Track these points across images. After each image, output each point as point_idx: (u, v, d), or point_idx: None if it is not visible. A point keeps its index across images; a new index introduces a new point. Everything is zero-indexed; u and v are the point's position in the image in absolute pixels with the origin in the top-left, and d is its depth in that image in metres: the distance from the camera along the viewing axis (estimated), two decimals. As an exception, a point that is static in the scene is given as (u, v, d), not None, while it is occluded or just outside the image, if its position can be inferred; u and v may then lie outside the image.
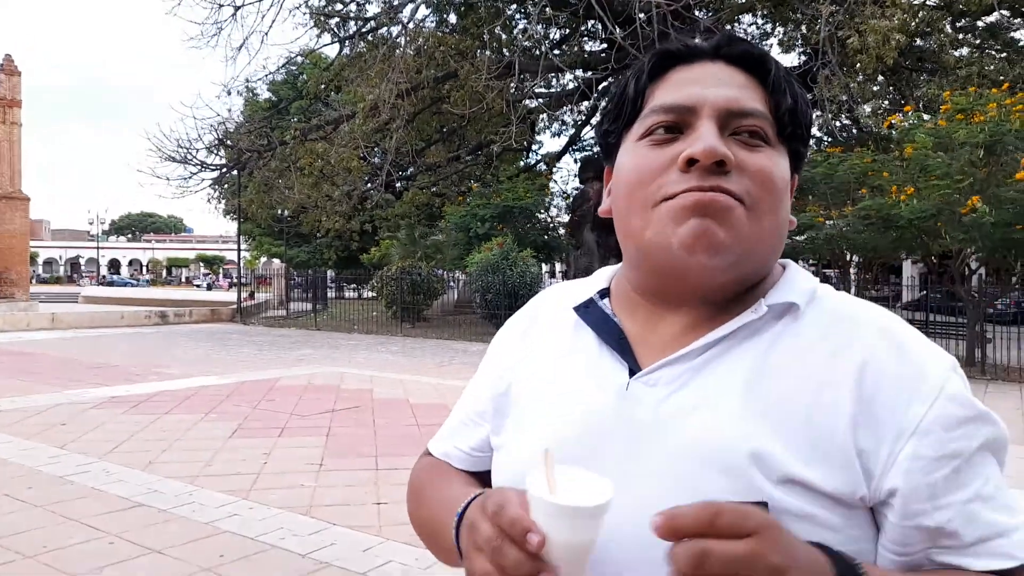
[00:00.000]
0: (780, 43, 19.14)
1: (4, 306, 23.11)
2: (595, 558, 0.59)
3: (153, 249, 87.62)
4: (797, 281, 0.74)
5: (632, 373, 0.72)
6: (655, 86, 0.74)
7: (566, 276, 22.95)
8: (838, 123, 16.29)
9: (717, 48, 0.73)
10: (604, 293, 0.82)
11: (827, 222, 13.61)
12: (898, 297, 22.20)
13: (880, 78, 15.78)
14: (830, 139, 17.27)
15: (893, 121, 13.24)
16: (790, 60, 19.21)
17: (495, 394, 0.84)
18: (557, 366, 0.79)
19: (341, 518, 4.37)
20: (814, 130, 18.22)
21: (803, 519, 0.63)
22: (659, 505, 0.56)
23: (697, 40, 0.75)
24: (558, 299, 0.86)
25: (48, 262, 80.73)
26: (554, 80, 19.77)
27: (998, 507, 0.65)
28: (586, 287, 0.83)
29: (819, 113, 15.94)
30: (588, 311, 0.80)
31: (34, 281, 39.27)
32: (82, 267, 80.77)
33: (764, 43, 21.06)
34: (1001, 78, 13.94)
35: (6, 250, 25.23)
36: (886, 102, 15.61)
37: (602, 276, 0.85)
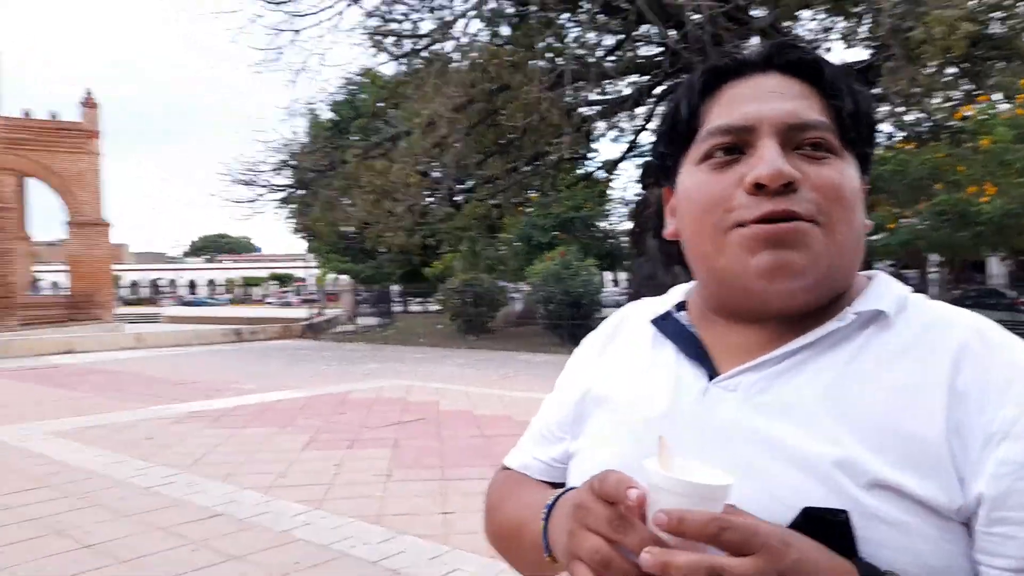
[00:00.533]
0: (843, 38, 18.62)
1: (93, 327, 24.43)
2: None
3: (228, 269, 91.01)
4: (886, 289, 0.73)
5: (711, 379, 0.72)
6: (708, 104, 0.72)
7: (629, 284, 22.80)
8: (908, 118, 15.71)
9: (769, 58, 0.72)
10: (680, 307, 0.83)
11: (900, 221, 13.14)
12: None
13: (953, 68, 15.17)
14: (903, 134, 16.69)
15: (966, 112, 12.68)
16: (853, 55, 18.71)
17: (574, 403, 0.84)
18: (636, 376, 0.79)
19: (409, 527, 4.48)
20: (883, 126, 17.82)
21: (895, 526, 0.60)
22: (743, 505, 0.57)
23: (747, 52, 0.73)
24: (636, 315, 0.87)
25: (132, 284, 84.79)
26: (609, 87, 19.72)
27: None
28: (662, 302, 0.84)
29: (887, 107, 15.45)
30: (666, 323, 0.80)
31: (119, 303, 41.33)
32: (163, 288, 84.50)
33: (825, 39, 20.57)
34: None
35: (92, 274, 26.69)
36: (959, 92, 14.96)
37: (678, 292, 0.86)
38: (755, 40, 19.92)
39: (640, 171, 22.24)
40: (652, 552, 0.55)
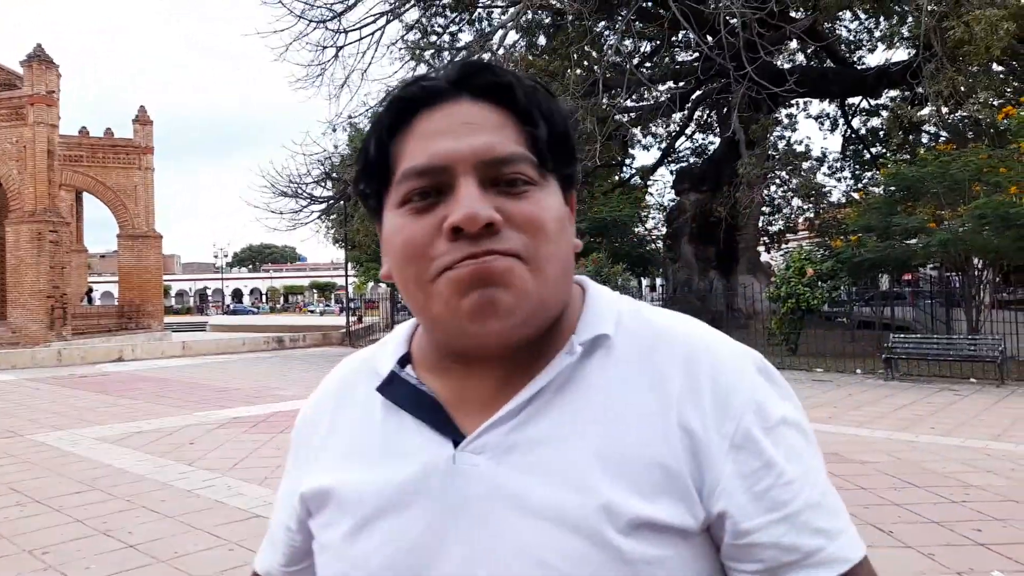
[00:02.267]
0: (883, 38, 18.33)
1: (142, 336, 25.23)
2: None
3: (271, 278, 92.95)
4: (601, 307, 0.71)
5: (456, 444, 0.67)
6: (401, 139, 0.68)
7: (664, 290, 22.65)
8: (949, 119, 15.37)
9: (458, 83, 0.67)
10: (405, 359, 0.75)
11: (942, 224, 12.85)
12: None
13: (999, 68, 14.82)
14: (946, 135, 16.33)
15: (1008, 114, 12.37)
16: (895, 56, 18.37)
17: (306, 497, 0.76)
18: (372, 455, 0.71)
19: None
20: (927, 126, 17.42)
21: (655, 564, 0.61)
22: None
23: (436, 76, 0.68)
24: (357, 375, 0.79)
25: (179, 294, 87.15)
26: (646, 93, 19.70)
27: (824, 511, 0.65)
28: (384, 355, 0.76)
29: (930, 108, 15.13)
30: (392, 387, 0.73)
31: (168, 312, 42.56)
32: (209, 297, 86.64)
33: (866, 41, 20.24)
34: None
35: (143, 284, 27.57)
36: (1008, 92, 14.57)
37: (399, 337, 0.78)
38: (792, 44, 19.80)
39: (675, 177, 22.16)
40: None
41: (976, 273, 13.77)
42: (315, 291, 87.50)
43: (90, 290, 36.92)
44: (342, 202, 22.23)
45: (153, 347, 20.74)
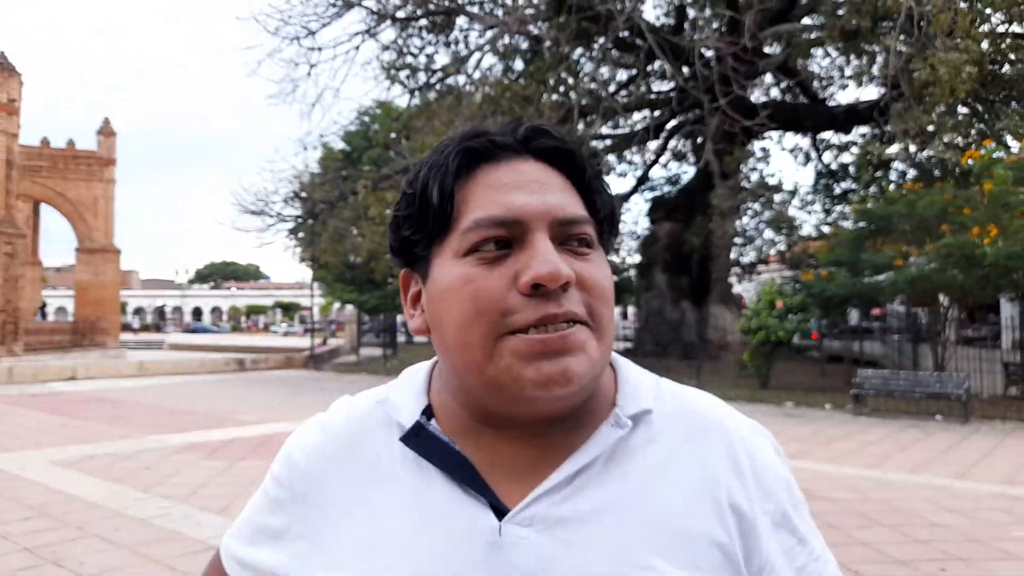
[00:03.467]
0: (854, 76, 18.79)
1: (97, 354, 24.43)
2: None
3: (233, 296, 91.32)
4: (638, 380, 0.71)
5: (497, 511, 0.63)
6: (463, 188, 0.65)
7: (637, 318, 22.68)
8: (917, 157, 15.75)
9: (526, 142, 0.67)
10: (428, 411, 0.70)
11: (910, 259, 13.08)
12: (997, 337, 20.98)
13: (964, 109, 15.24)
14: (914, 173, 16.72)
15: (972, 156, 12.71)
16: (864, 93, 18.82)
17: (301, 538, 0.70)
18: (394, 513, 0.66)
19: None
20: (895, 163, 17.82)
21: None
22: None
23: (498, 132, 0.67)
24: (366, 420, 0.72)
25: (137, 311, 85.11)
26: (621, 121, 19.89)
27: (829, 561, 0.70)
28: (403, 402, 0.71)
29: (899, 146, 15.48)
30: (419, 439, 0.67)
31: (126, 329, 41.46)
32: (168, 315, 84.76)
33: (837, 78, 20.74)
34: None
35: (99, 300, 26.81)
36: (973, 132, 14.98)
37: (416, 385, 0.72)
38: (766, 78, 20.20)
39: (650, 206, 22.34)
40: None
41: (942, 310, 14.01)
42: (279, 310, 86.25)
43: (44, 305, 35.83)
44: (310, 221, 21.94)
45: (108, 366, 20.09)
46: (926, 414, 11.84)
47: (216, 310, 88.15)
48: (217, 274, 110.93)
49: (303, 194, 21.23)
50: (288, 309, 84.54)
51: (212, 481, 6.66)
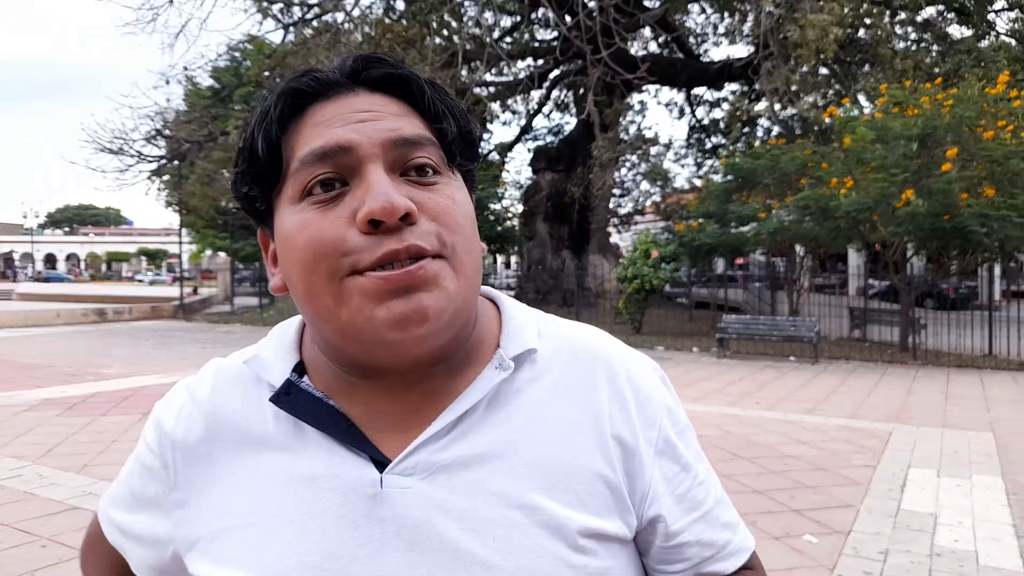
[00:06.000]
0: (726, 34, 19.47)
1: (-70, 304, 22.09)
2: None
3: (92, 243, 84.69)
4: (521, 321, 0.69)
5: (379, 465, 0.61)
6: (292, 132, 0.62)
7: (520, 267, 22.97)
8: (781, 115, 16.64)
9: (354, 75, 0.63)
10: (300, 369, 0.67)
11: (771, 212, 13.92)
12: (844, 284, 22.88)
13: (824, 70, 16.17)
14: (779, 130, 17.66)
15: (831, 114, 13.59)
16: (736, 51, 19.59)
17: (179, 505, 0.67)
18: (271, 475, 0.64)
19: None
20: (762, 120, 18.81)
21: (602, 575, 0.63)
22: None
23: (329, 68, 0.63)
24: (234, 382, 0.69)
25: (-22, 257, 77.45)
26: (505, 68, 19.73)
27: (726, 505, 0.72)
28: (272, 361, 0.67)
29: (764, 104, 16.29)
30: (290, 398, 0.64)
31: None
32: (16, 262, 77.61)
33: (712, 35, 21.46)
34: (936, 70, 14.44)
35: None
36: (831, 93, 16.01)
37: (286, 342, 0.69)
38: (646, 32, 20.60)
39: (532, 155, 22.47)
40: None
41: (798, 260, 15.07)
42: (144, 258, 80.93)
43: None
44: (176, 162, 20.53)
45: (-55, 317, 18.23)
46: (782, 355, 12.83)
47: (72, 257, 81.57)
48: (73, 219, 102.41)
49: (167, 132, 19.77)
50: (154, 257, 79.52)
51: (71, 438, 6.24)
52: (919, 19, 16.40)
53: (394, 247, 0.57)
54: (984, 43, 15.49)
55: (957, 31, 16.60)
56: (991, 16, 16.15)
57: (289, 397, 0.64)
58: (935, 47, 16.35)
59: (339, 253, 0.58)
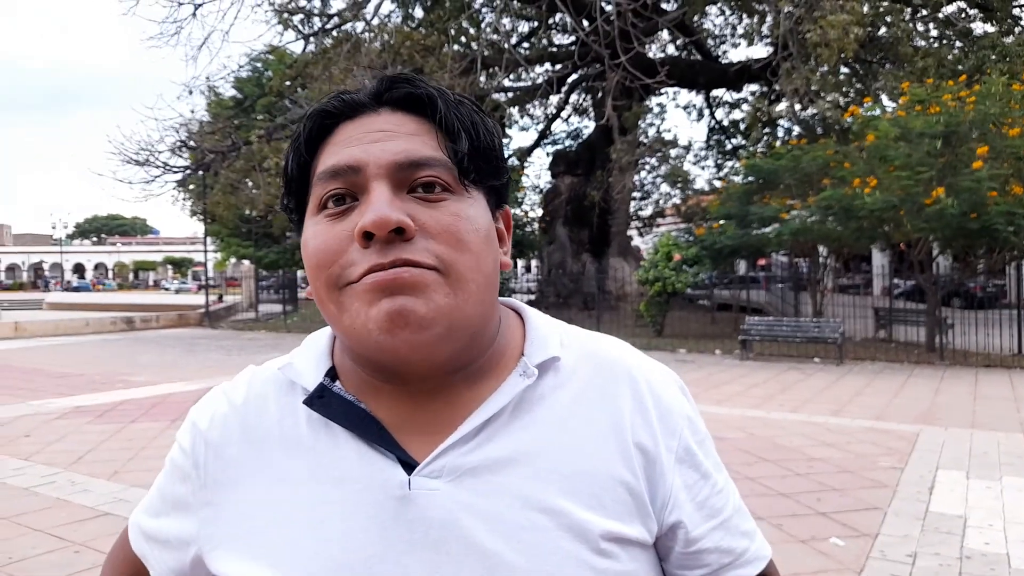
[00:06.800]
0: (745, 35, 19.37)
1: (-36, 315, 22.57)
2: None
3: (119, 252, 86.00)
4: (544, 330, 0.71)
5: (408, 467, 0.63)
6: (321, 151, 0.66)
7: (540, 271, 22.98)
8: (803, 115, 16.51)
9: (378, 96, 0.66)
10: (332, 373, 0.70)
11: (793, 213, 13.80)
12: (868, 284, 22.61)
13: (845, 69, 16.03)
14: (800, 130, 17.53)
15: (853, 113, 13.46)
16: (755, 52, 19.49)
17: (207, 504, 0.69)
18: (301, 475, 0.66)
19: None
20: (782, 121, 18.68)
21: None
22: None
23: (358, 90, 0.67)
24: (267, 387, 0.73)
25: (10, 268, 78.93)
26: (524, 74, 19.78)
27: (744, 514, 0.74)
28: (306, 367, 0.70)
29: (784, 104, 16.17)
30: (323, 401, 0.67)
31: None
32: (46, 272, 79.04)
33: (730, 36, 21.35)
34: (959, 67, 14.23)
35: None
36: (852, 92, 15.85)
37: (319, 348, 0.72)
38: (664, 35, 20.55)
39: (551, 160, 22.48)
40: None
41: (821, 260, 14.93)
42: (169, 267, 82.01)
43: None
44: (200, 172, 20.81)
45: (-21, 327, 18.61)
46: (806, 357, 12.70)
47: (100, 267, 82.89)
48: (100, 229, 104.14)
49: (191, 143, 20.05)
50: (180, 265, 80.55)
51: (101, 446, 6.36)
52: (940, 16, 16.19)
53: (379, 260, 0.59)
54: (1009, 39, 15.26)
55: (980, 27, 16.38)
56: (1016, 11, 15.91)
57: (322, 400, 0.67)
58: (958, 43, 16.13)
59: (337, 264, 0.62)
